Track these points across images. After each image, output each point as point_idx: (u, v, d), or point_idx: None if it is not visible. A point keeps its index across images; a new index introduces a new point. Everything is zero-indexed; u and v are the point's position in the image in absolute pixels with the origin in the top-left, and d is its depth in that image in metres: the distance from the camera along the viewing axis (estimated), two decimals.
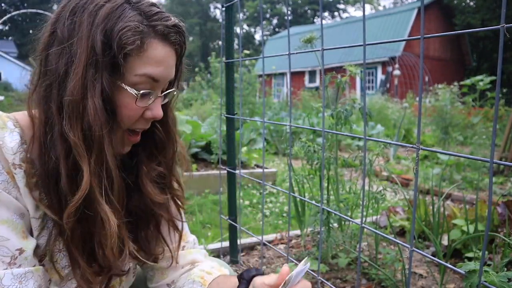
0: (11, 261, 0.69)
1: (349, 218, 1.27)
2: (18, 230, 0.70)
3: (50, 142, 0.70)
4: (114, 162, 0.73)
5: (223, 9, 1.71)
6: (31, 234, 0.74)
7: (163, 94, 0.79)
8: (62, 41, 0.70)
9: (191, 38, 43.46)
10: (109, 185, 0.72)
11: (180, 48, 0.78)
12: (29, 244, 0.71)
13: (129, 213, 0.86)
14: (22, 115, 0.75)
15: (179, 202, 0.94)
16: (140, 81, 0.73)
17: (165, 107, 0.83)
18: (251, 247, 2.17)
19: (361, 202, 1.52)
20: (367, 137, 1.05)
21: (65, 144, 0.69)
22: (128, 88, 0.72)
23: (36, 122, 0.72)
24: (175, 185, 0.92)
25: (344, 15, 44.48)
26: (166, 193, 0.90)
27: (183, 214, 0.99)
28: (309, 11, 42.19)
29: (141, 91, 0.73)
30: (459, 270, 0.90)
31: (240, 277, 0.83)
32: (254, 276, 0.83)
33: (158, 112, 0.78)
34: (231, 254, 1.96)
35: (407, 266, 1.61)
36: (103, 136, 0.70)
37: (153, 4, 0.75)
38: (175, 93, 0.85)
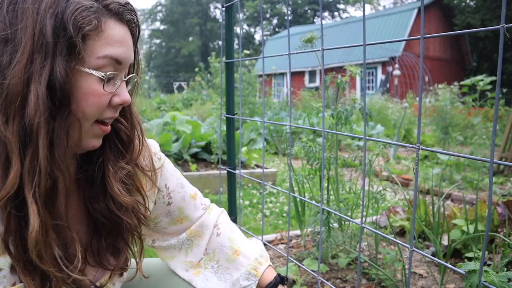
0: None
1: (349, 218, 1.27)
2: None
3: None
4: (50, 159, 0.65)
5: (223, 9, 1.71)
6: None
7: (126, 78, 0.76)
8: (4, 30, 0.64)
9: (191, 38, 43.49)
10: (39, 184, 0.65)
11: (135, 28, 0.75)
12: (5, 261, 0.68)
13: (93, 220, 0.82)
14: None
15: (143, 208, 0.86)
16: (103, 64, 0.69)
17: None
18: None
19: (361, 202, 1.52)
20: (367, 137, 1.05)
21: (0, 142, 0.64)
22: (94, 72, 0.67)
23: None
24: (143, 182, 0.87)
25: (344, 15, 44.50)
26: (134, 194, 0.84)
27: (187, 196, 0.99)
28: (309, 11, 42.20)
29: (108, 73, 0.69)
30: (459, 270, 0.90)
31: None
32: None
33: (126, 97, 0.73)
34: None
35: (407, 266, 1.61)
36: (40, 129, 0.63)
37: None
38: (136, 79, 0.81)
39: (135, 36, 0.76)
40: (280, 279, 0.98)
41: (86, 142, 0.73)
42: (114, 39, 0.70)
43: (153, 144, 0.95)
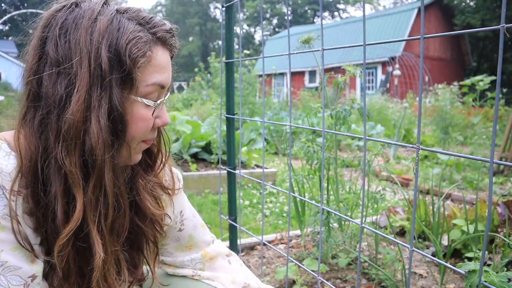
0: None
1: (349, 218, 1.27)
2: (27, 255, 0.67)
3: (47, 175, 0.66)
4: (114, 187, 0.68)
5: (223, 9, 1.71)
6: None
7: (165, 100, 0.78)
8: (58, 64, 0.65)
9: (191, 38, 43.49)
10: (104, 214, 0.68)
11: (175, 51, 0.77)
12: (39, 268, 0.69)
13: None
14: (11, 137, 0.69)
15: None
16: (151, 91, 0.71)
17: None
18: (251, 247, 2.17)
19: (361, 202, 1.52)
20: (367, 137, 1.05)
21: (61, 175, 0.65)
22: (145, 101, 0.70)
23: (29, 153, 0.66)
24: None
25: (344, 15, 44.51)
26: (161, 205, 0.86)
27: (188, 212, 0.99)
28: (309, 11, 42.19)
29: (158, 101, 0.73)
30: (459, 270, 0.90)
31: None
32: None
33: (167, 119, 0.77)
34: None
35: (407, 266, 1.61)
36: (105, 161, 0.65)
37: (140, 10, 0.72)
38: (167, 97, 0.83)
39: (173, 57, 0.78)
40: None
41: (130, 158, 0.75)
42: (160, 66, 0.72)
43: (174, 170, 0.97)
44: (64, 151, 0.64)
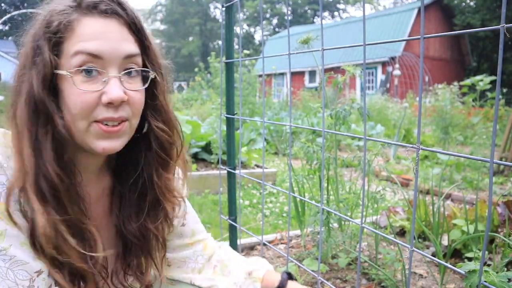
0: (30, 284, 0.67)
1: (349, 218, 1.27)
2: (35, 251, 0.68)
3: None
4: (52, 169, 0.67)
5: (223, 9, 1.71)
6: None
7: (122, 73, 0.71)
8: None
9: (191, 38, 43.48)
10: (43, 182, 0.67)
11: (126, 18, 0.71)
12: (45, 264, 0.70)
13: (123, 242, 0.84)
14: None
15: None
16: (79, 62, 0.68)
17: (154, 99, 0.77)
18: (251, 247, 2.17)
19: (361, 202, 1.52)
20: (367, 137, 1.05)
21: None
22: (64, 72, 0.68)
23: None
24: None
25: (344, 15, 44.51)
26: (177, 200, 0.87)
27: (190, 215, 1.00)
28: (309, 11, 42.20)
29: (75, 68, 0.68)
30: (459, 270, 0.90)
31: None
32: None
33: (113, 94, 0.68)
34: None
35: (407, 266, 1.61)
36: (24, 132, 0.67)
37: None
38: (152, 75, 0.76)
39: (131, 25, 0.72)
40: (288, 275, 1.03)
41: (92, 144, 0.71)
42: (87, 34, 0.68)
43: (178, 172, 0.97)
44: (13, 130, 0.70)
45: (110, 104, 0.69)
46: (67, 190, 0.69)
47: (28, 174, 0.66)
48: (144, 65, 0.75)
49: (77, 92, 0.68)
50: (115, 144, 0.73)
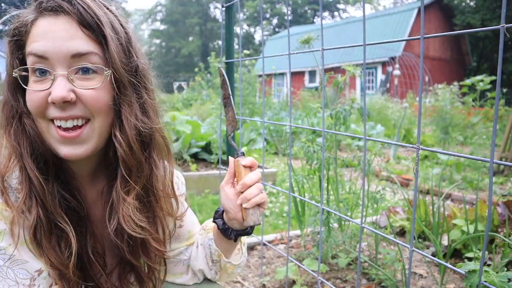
0: (31, 283, 0.68)
1: (349, 218, 1.27)
2: (35, 251, 0.69)
3: None
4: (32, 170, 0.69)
5: (223, 9, 1.71)
6: None
7: (71, 70, 0.69)
8: None
9: (191, 38, 43.48)
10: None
11: (76, 14, 0.68)
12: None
13: (122, 242, 0.83)
14: None
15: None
16: (30, 63, 0.69)
17: (118, 104, 0.72)
18: (251, 247, 2.17)
19: (361, 202, 1.52)
20: (367, 137, 1.05)
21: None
22: (14, 74, 0.70)
23: None
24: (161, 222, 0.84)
25: (344, 15, 44.51)
26: (151, 223, 0.81)
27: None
28: (309, 11, 42.21)
29: (16, 69, 0.70)
30: (459, 270, 0.90)
31: (214, 220, 0.90)
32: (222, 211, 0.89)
33: (55, 93, 0.66)
34: None
35: (407, 266, 1.61)
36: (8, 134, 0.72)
37: None
38: (107, 72, 0.70)
39: (80, 21, 0.68)
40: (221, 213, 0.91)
41: (56, 147, 0.71)
42: (36, 35, 0.69)
43: (178, 174, 0.96)
44: None
45: (59, 103, 0.68)
46: (49, 189, 0.70)
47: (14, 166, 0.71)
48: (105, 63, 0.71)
49: (29, 92, 0.70)
50: (78, 151, 0.70)
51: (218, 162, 4.19)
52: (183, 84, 19.22)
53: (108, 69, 0.70)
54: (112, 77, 0.71)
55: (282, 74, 19.27)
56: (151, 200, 0.80)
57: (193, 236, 1.00)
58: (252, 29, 44.65)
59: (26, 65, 0.70)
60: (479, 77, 7.01)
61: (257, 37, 45.02)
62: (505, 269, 1.42)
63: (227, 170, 0.88)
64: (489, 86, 6.85)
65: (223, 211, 0.88)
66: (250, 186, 0.81)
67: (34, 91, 0.68)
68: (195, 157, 4.39)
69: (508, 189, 3.45)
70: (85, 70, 0.69)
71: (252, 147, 5.33)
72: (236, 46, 1.76)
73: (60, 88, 0.67)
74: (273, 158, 5.81)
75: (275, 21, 43.09)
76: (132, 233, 0.74)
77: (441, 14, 22.61)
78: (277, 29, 42.37)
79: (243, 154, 0.86)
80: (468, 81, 7.22)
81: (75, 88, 0.68)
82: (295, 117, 7.37)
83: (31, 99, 0.69)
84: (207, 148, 4.41)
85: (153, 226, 0.81)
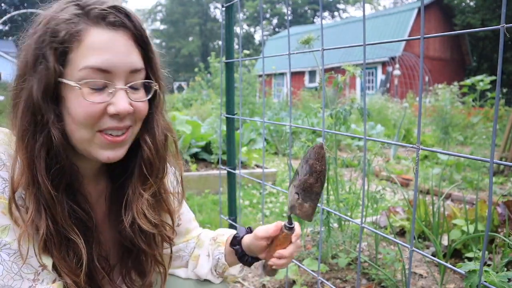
0: (35, 277, 0.68)
1: (349, 218, 1.27)
2: (38, 245, 0.69)
3: None
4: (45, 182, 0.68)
5: (223, 9, 1.71)
6: None
7: (128, 85, 0.72)
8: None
9: (191, 38, 43.48)
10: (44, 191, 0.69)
11: (133, 30, 0.71)
12: (49, 259, 0.71)
13: (123, 245, 0.84)
14: None
15: (166, 237, 0.87)
16: (85, 75, 0.67)
17: (151, 112, 0.78)
18: None
19: (361, 202, 1.52)
20: (367, 137, 1.05)
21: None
22: (73, 83, 0.67)
23: None
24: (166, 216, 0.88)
25: (344, 15, 44.51)
26: (163, 216, 0.85)
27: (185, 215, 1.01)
28: (309, 11, 42.21)
29: (85, 81, 0.68)
30: (459, 270, 0.90)
31: (232, 246, 0.96)
32: (243, 236, 0.96)
33: (120, 106, 0.70)
34: None
35: (407, 266, 1.61)
36: (27, 134, 0.68)
37: None
38: (155, 87, 0.77)
39: (138, 38, 0.72)
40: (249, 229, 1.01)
41: (96, 153, 0.73)
42: (94, 47, 0.68)
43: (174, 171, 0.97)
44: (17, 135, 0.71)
45: (115, 115, 0.71)
46: (59, 203, 0.70)
47: (24, 181, 0.67)
48: (148, 77, 0.76)
49: (85, 104, 0.68)
50: (119, 153, 0.75)
51: (218, 162, 4.19)
52: (183, 84, 19.22)
53: (155, 84, 0.77)
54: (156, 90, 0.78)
55: (282, 74, 19.27)
56: (161, 198, 0.85)
57: (190, 232, 1.04)
58: (252, 29, 44.65)
59: (68, 72, 0.68)
60: (479, 77, 7.01)
61: (257, 37, 45.02)
62: (505, 269, 1.42)
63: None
64: (489, 86, 6.85)
65: (241, 238, 0.96)
66: (286, 258, 0.89)
67: (92, 103, 0.68)
68: (195, 157, 4.39)
69: (508, 189, 3.45)
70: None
71: (252, 147, 5.33)
72: (236, 46, 1.76)
73: (124, 102, 0.70)
74: (273, 158, 5.81)
75: (275, 21, 43.09)
76: (145, 228, 0.79)
77: (441, 14, 22.60)
78: (277, 29, 42.36)
79: (293, 228, 0.89)
80: (468, 81, 7.22)
81: (131, 101, 0.72)
82: (295, 117, 7.37)
83: (86, 111, 0.68)
84: (207, 148, 4.42)
85: (163, 221, 0.86)
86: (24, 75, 0.69)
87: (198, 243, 1.04)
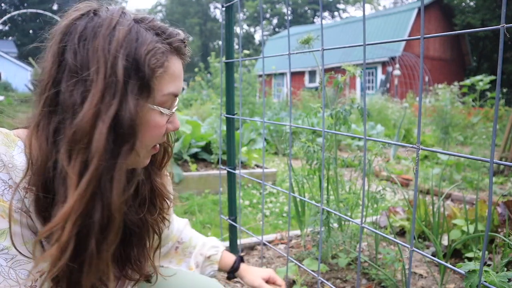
0: (32, 283, 0.68)
1: (349, 218, 1.26)
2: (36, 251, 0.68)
3: (52, 181, 0.66)
4: (115, 194, 0.66)
5: (223, 9, 1.71)
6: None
7: (177, 107, 0.81)
8: (76, 72, 0.65)
9: (191, 38, 43.48)
10: (99, 221, 0.66)
11: (187, 60, 0.80)
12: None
13: (123, 232, 0.84)
14: (23, 135, 0.72)
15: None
16: (166, 100, 0.74)
17: None
18: (251, 247, 2.17)
19: (361, 202, 1.52)
20: (367, 137, 1.05)
21: (64, 181, 0.64)
22: (161, 109, 0.73)
23: (39, 157, 0.67)
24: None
25: (344, 15, 44.51)
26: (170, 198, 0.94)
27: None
28: (309, 11, 42.21)
29: (173, 109, 0.76)
30: (459, 270, 0.90)
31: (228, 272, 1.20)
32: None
33: (178, 124, 0.80)
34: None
35: (407, 266, 1.61)
36: (105, 166, 0.65)
37: (154, 19, 0.74)
38: (178, 101, 0.88)
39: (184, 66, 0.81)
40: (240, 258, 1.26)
41: (142, 162, 0.78)
42: (175, 75, 0.74)
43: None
44: (67, 153, 0.64)
45: (170, 132, 0.80)
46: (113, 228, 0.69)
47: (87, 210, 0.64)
48: None
49: (161, 126, 0.74)
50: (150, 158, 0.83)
51: (218, 162, 4.19)
52: (183, 84, 19.24)
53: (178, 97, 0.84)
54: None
55: (282, 74, 19.27)
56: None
57: (174, 235, 1.16)
58: (252, 29, 44.64)
59: (145, 94, 0.70)
60: (478, 77, 7.00)
61: (257, 37, 45.00)
62: (505, 269, 1.42)
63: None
64: (488, 86, 6.85)
65: (236, 269, 1.24)
66: None
67: (164, 124, 0.75)
68: (195, 157, 4.39)
69: (508, 189, 3.45)
70: None
71: (252, 147, 5.33)
72: (236, 46, 1.76)
73: (177, 120, 0.80)
74: (273, 158, 5.81)
75: (275, 21, 43.08)
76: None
77: (441, 14, 22.61)
78: (277, 29, 42.35)
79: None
80: (468, 81, 7.21)
81: None
82: (295, 117, 7.37)
83: (161, 131, 0.75)
84: (207, 148, 4.41)
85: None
86: (107, 91, 0.65)
87: (184, 247, 1.17)
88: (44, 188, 0.67)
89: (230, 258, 1.24)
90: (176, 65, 0.74)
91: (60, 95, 0.66)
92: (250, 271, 1.24)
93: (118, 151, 0.66)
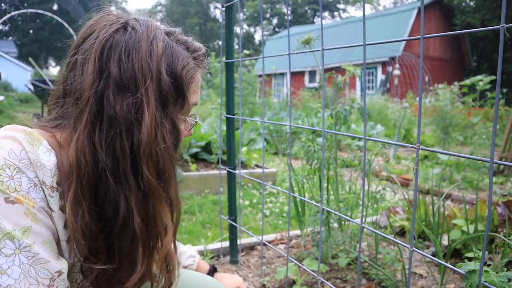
0: (50, 283, 0.68)
1: (349, 218, 1.27)
2: (55, 251, 0.70)
3: (106, 190, 0.70)
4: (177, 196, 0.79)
5: (223, 9, 1.71)
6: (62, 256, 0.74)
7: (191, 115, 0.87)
8: (123, 84, 0.69)
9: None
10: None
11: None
12: (65, 265, 0.71)
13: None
14: (48, 136, 0.74)
15: None
16: (190, 109, 0.81)
17: None
18: (251, 247, 2.17)
19: (361, 202, 1.52)
20: (367, 137, 1.05)
21: (131, 191, 0.70)
22: (189, 119, 0.81)
23: (84, 163, 0.69)
24: None
25: (344, 15, 44.51)
26: None
27: None
28: (309, 11, 42.22)
29: (197, 119, 0.84)
30: (459, 270, 0.90)
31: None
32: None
33: (192, 130, 0.85)
34: (231, 254, 1.96)
35: (407, 266, 1.61)
36: (172, 175, 0.74)
37: (180, 32, 0.81)
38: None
39: None
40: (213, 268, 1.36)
41: None
42: (198, 86, 0.81)
43: None
44: (144, 167, 0.70)
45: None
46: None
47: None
48: None
49: (184, 134, 0.82)
50: None
51: (218, 162, 4.19)
52: None
53: None
54: None
55: (282, 74, 19.27)
56: None
57: None
58: (252, 29, 44.65)
59: (180, 106, 0.77)
60: (479, 77, 7.00)
61: (257, 37, 45.02)
62: (505, 269, 1.42)
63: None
64: (488, 86, 6.85)
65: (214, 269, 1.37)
66: None
67: (188, 131, 0.84)
68: (195, 157, 4.39)
69: (508, 189, 3.45)
70: None
71: (252, 147, 5.33)
72: (236, 46, 1.76)
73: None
74: (273, 158, 5.81)
75: (275, 21, 43.09)
76: None
77: (441, 14, 22.61)
78: (277, 29, 42.36)
79: None
80: (468, 81, 7.21)
81: None
82: (295, 117, 7.37)
83: (183, 139, 0.82)
84: (207, 148, 4.42)
85: None
86: (159, 102, 0.72)
87: None
88: (92, 201, 0.71)
89: (205, 267, 1.35)
90: (199, 77, 0.81)
91: (105, 106, 0.69)
92: (221, 280, 1.35)
93: (174, 157, 0.76)
